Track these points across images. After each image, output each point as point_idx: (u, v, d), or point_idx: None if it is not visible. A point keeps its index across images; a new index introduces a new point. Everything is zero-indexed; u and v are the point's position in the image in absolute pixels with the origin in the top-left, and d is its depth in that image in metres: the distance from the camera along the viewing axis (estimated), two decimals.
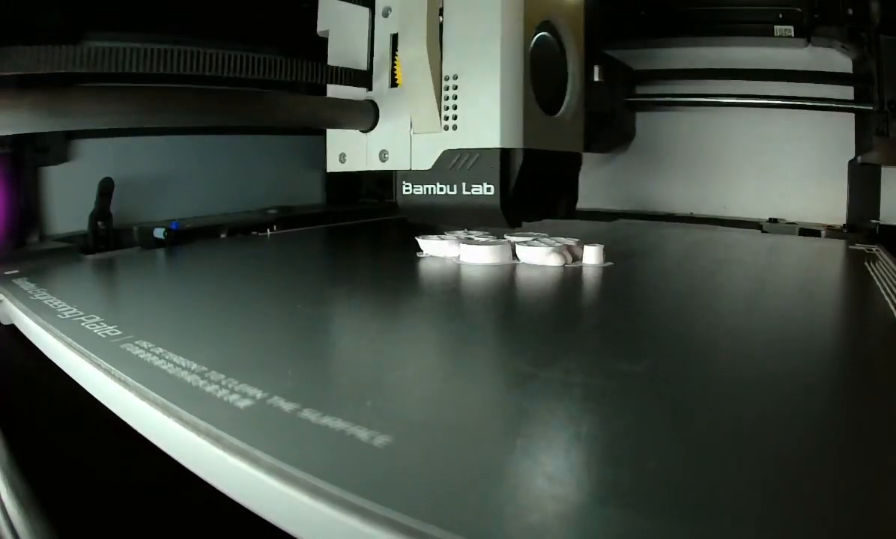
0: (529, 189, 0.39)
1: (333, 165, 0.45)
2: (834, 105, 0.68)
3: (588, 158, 0.83)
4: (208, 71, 0.31)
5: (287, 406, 0.19)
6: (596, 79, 0.69)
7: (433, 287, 0.39)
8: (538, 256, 0.43)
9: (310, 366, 0.24)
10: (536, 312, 0.33)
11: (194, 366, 0.22)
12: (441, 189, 0.40)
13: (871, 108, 0.62)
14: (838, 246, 0.55)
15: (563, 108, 0.42)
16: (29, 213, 0.56)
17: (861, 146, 0.68)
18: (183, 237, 0.60)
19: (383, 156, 0.42)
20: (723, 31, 0.71)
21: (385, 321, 0.31)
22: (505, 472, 0.15)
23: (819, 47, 0.68)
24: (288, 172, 0.83)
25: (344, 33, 0.44)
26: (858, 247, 0.53)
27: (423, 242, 0.47)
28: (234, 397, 0.20)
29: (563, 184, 0.44)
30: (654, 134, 0.80)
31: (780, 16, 0.67)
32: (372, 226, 0.74)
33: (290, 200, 0.79)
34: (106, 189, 0.55)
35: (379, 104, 0.42)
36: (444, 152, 0.39)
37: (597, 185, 0.84)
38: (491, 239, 0.46)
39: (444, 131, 0.39)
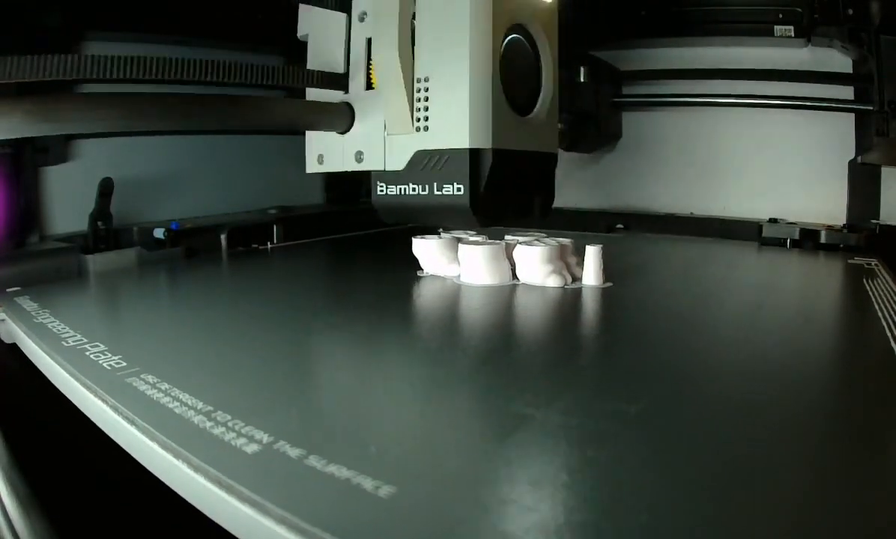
0: (501, 189, 0.39)
1: (312, 166, 0.46)
2: (834, 105, 0.68)
3: (587, 159, 0.83)
4: (189, 77, 0.32)
5: (293, 452, 0.19)
6: (581, 79, 0.69)
7: (433, 315, 0.39)
8: (538, 277, 0.42)
9: (312, 406, 0.24)
10: (534, 343, 0.33)
11: (200, 404, 0.23)
12: (413, 189, 0.40)
13: (871, 108, 0.62)
14: (837, 262, 0.54)
15: (536, 109, 0.43)
16: (29, 213, 0.56)
17: (861, 146, 0.68)
18: (183, 237, 0.60)
19: (359, 156, 0.43)
20: (723, 31, 0.71)
21: (385, 354, 0.31)
22: (502, 523, 0.16)
23: (819, 47, 0.68)
24: (288, 172, 0.83)
25: (322, 37, 0.45)
26: (857, 261, 0.53)
27: (421, 255, 0.47)
28: (241, 442, 0.20)
29: (538, 184, 0.44)
30: (655, 134, 0.80)
31: (780, 16, 0.67)
32: (373, 237, 0.73)
33: (290, 200, 0.79)
34: (106, 189, 0.55)
35: (355, 106, 0.43)
36: (416, 153, 0.40)
37: (598, 184, 0.84)
38: (488, 240, 0.46)
39: (416, 132, 0.40)
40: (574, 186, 0.85)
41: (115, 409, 0.23)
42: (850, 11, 0.63)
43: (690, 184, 0.78)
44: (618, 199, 0.83)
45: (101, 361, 0.28)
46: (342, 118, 0.43)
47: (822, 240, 0.67)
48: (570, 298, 0.40)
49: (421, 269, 0.47)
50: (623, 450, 0.20)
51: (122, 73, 0.29)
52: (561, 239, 0.46)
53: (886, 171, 0.66)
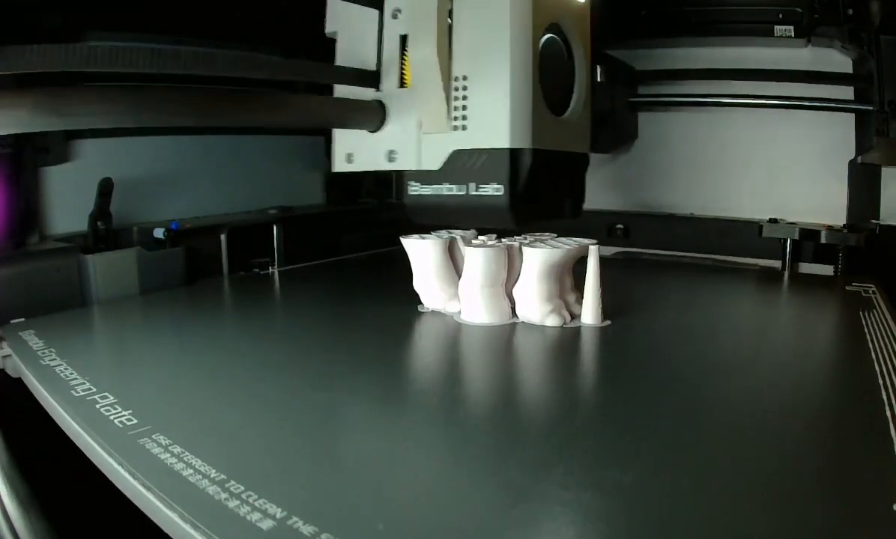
0: (537, 189, 0.39)
1: (340, 165, 0.45)
2: (834, 105, 0.68)
3: (598, 159, 0.83)
4: (212, 71, 0.31)
5: (306, 529, 0.19)
6: (598, 79, 0.69)
7: (432, 365, 0.39)
8: (537, 316, 0.42)
9: (321, 475, 0.24)
10: (532, 399, 0.33)
11: (213, 473, 0.23)
12: (449, 189, 0.40)
13: (871, 108, 0.62)
14: (834, 291, 0.54)
15: (570, 109, 0.42)
16: (29, 213, 0.56)
17: (861, 146, 0.68)
18: (183, 237, 0.60)
19: (391, 156, 0.42)
20: (723, 31, 0.71)
21: (387, 414, 0.30)
22: None
23: (819, 47, 0.68)
24: (288, 172, 0.83)
25: (352, 34, 0.44)
26: (855, 287, 0.53)
27: (421, 290, 0.47)
28: (255, 517, 0.20)
29: (570, 184, 0.44)
30: (655, 134, 0.80)
31: (780, 16, 0.67)
32: (375, 260, 0.72)
33: (290, 200, 0.79)
34: (105, 189, 0.55)
35: (387, 104, 0.42)
36: (453, 152, 0.39)
37: (597, 185, 0.84)
38: (489, 241, 0.46)
39: (453, 131, 0.39)
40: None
41: (132, 475, 0.23)
42: (850, 11, 0.63)
43: (690, 183, 0.78)
44: (617, 199, 0.83)
45: (111, 416, 0.28)
46: (374, 116, 0.42)
47: (823, 240, 0.67)
48: (569, 341, 0.40)
49: (421, 303, 0.47)
50: (618, 525, 0.20)
51: (144, 65, 0.28)
52: (563, 239, 0.45)
53: (886, 171, 0.66)
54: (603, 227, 0.79)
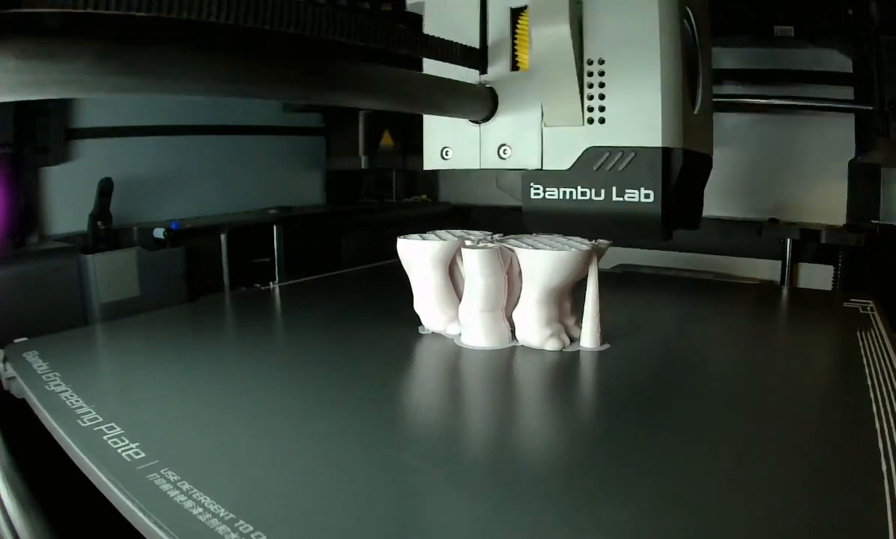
0: (681, 196, 0.34)
1: (433, 161, 0.39)
2: (834, 105, 0.68)
3: None
4: (287, 26, 0.23)
5: None
6: None
7: (432, 393, 0.38)
8: (536, 340, 0.41)
9: (325, 515, 0.24)
10: (530, 435, 0.32)
11: (222, 512, 0.23)
12: (584, 193, 0.34)
13: (871, 108, 0.62)
14: (833, 307, 0.54)
15: (698, 105, 0.36)
16: (29, 213, 0.56)
17: (861, 146, 0.68)
18: (183, 237, 0.60)
19: (503, 151, 0.36)
20: (723, 31, 0.71)
21: (388, 451, 0.30)
22: None
23: (819, 47, 0.68)
24: (288, 172, 0.83)
25: (445, 5, 0.38)
26: (854, 303, 0.53)
27: (422, 312, 0.46)
28: None
29: (698, 190, 0.39)
30: None
31: (780, 16, 0.67)
32: (376, 274, 0.71)
33: (290, 200, 0.79)
34: (105, 189, 0.55)
35: (497, 91, 0.36)
36: (587, 150, 0.34)
37: None
38: (484, 242, 0.45)
39: (587, 125, 0.33)
40: None
41: (142, 511, 0.23)
42: (850, 11, 0.63)
43: None
44: None
45: (119, 449, 0.27)
46: (483, 104, 0.35)
47: (823, 240, 0.67)
48: (568, 367, 0.39)
49: (421, 324, 0.46)
50: None
51: (210, 13, 0.21)
52: (574, 239, 0.43)
53: (886, 171, 0.66)
54: None
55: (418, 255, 0.45)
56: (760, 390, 0.36)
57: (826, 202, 0.70)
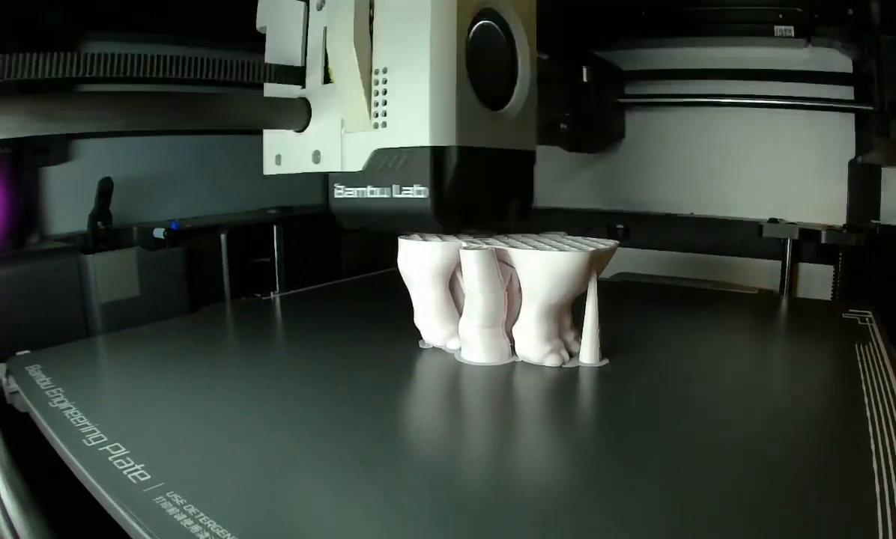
0: (470, 191, 0.36)
1: (270, 168, 0.43)
2: (834, 105, 0.68)
3: (587, 159, 0.83)
4: (143, 73, 0.31)
5: None
6: (584, 80, 0.69)
7: (431, 408, 0.38)
8: (536, 356, 0.41)
9: None
10: (528, 463, 0.32)
11: (228, 536, 0.23)
12: (372, 191, 0.37)
13: (871, 108, 0.62)
14: (832, 319, 0.54)
15: (511, 103, 0.38)
16: (29, 213, 0.56)
17: (861, 146, 0.68)
18: (183, 237, 0.60)
19: (316, 157, 0.40)
20: (722, 31, 0.71)
21: (384, 465, 0.30)
22: None
23: (819, 47, 0.68)
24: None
25: (281, 29, 0.42)
26: (852, 314, 0.53)
27: (422, 326, 0.46)
28: None
29: (514, 185, 0.41)
30: (654, 134, 0.80)
31: (780, 16, 0.67)
32: (376, 282, 0.71)
33: (290, 200, 0.79)
34: (105, 189, 0.55)
35: (311, 102, 0.39)
36: (374, 152, 0.37)
37: (596, 184, 0.84)
38: (484, 242, 0.44)
39: (374, 130, 0.36)
40: (573, 186, 0.85)
41: (150, 536, 0.23)
42: (850, 11, 0.63)
43: (690, 183, 0.78)
44: (618, 199, 0.83)
45: (125, 470, 0.28)
46: (298, 115, 0.39)
47: (823, 240, 0.67)
48: (566, 384, 0.39)
49: (422, 338, 0.46)
50: None
51: (78, 70, 0.30)
52: (580, 239, 0.43)
53: (886, 171, 0.66)
54: (603, 226, 0.79)
55: (418, 269, 0.45)
56: (753, 411, 0.36)
57: (826, 202, 0.70)
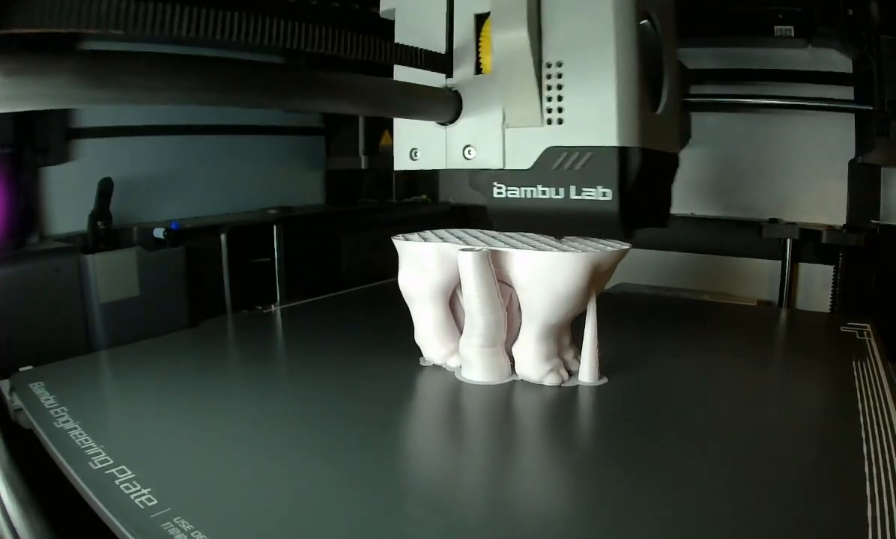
0: (642, 194, 0.34)
1: (403, 162, 0.40)
2: (834, 105, 0.68)
3: None
4: (260, 39, 0.25)
5: None
6: None
7: (430, 429, 0.38)
8: (535, 375, 0.41)
9: None
10: (527, 488, 0.32)
11: None
12: (543, 192, 0.35)
13: (871, 108, 0.62)
14: (830, 333, 0.54)
15: (661, 105, 0.37)
16: (29, 213, 0.56)
17: (861, 146, 0.68)
18: (183, 237, 0.60)
19: (468, 152, 0.37)
20: (722, 31, 0.71)
21: (384, 489, 0.30)
22: None
23: (819, 47, 0.68)
24: (288, 172, 0.83)
25: (415, 12, 0.39)
26: (850, 327, 0.53)
27: (422, 343, 0.45)
28: None
29: (664, 189, 0.39)
30: None
31: (780, 16, 0.67)
32: (377, 294, 0.70)
33: (290, 200, 0.79)
34: (105, 189, 0.55)
35: (462, 94, 0.37)
36: (546, 150, 0.34)
37: None
38: (476, 244, 0.43)
39: (546, 126, 0.34)
40: None
41: None
42: (850, 11, 0.63)
43: (690, 183, 0.78)
44: None
45: (132, 495, 0.27)
46: (448, 106, 0.37)
47: (823, 240, 0.67)
48: (566, 403, 0.39)
49: (422, 355, 0.46)
50: None
51: (186, 29, 0.22)
52: (590, 241, 0.42)
53: (886, 171, 0.67)
54: None
55: (419, 287, 0.44)
56: (749, 430, 0.36)
57: (826, 202, 0.71)
